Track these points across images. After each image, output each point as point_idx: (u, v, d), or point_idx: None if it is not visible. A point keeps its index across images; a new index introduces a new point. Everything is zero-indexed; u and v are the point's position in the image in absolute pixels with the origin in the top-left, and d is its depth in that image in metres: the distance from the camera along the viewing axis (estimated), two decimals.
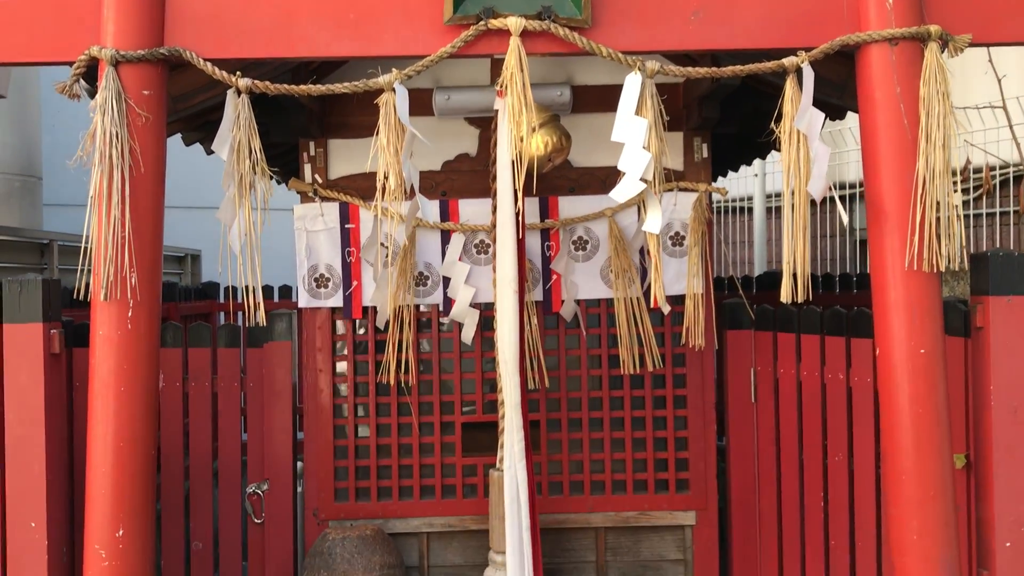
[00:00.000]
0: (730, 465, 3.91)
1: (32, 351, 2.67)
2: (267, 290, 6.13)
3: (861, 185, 7.61)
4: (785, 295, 2.73)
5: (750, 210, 8.86)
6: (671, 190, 3.85)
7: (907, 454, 2.67)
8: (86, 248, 2.55)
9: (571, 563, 3.96)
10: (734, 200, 8.72)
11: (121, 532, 2.61)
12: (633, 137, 2.68)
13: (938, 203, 2.62)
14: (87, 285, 2.57)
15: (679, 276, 3.90)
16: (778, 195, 8.54)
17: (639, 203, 3.90)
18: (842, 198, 7.42)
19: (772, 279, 5.94)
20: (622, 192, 2.71)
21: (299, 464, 4.00)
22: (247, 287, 2.61)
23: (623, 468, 3.96)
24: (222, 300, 5.86)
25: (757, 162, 7.99)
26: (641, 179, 2.69)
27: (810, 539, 3.65)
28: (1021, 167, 6.29)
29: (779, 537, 3.78)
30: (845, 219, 2.75)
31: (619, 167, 2.73)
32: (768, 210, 8.54)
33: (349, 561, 3.55)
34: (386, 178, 2.69)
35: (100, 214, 2.51)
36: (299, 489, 4.01)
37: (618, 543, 3.97)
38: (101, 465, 2.61)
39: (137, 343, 2.64)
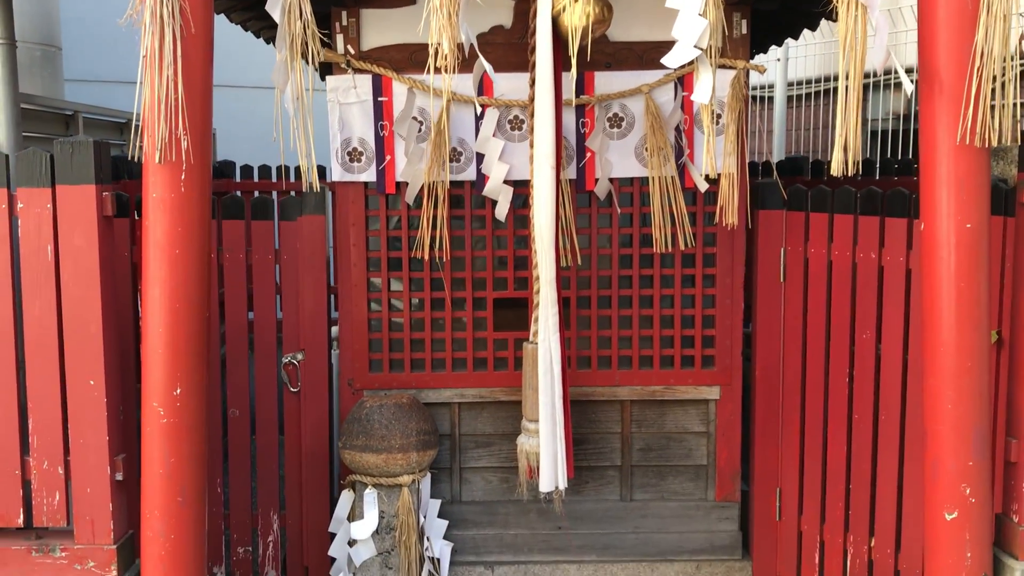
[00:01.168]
0: (755, 342, 3.99)
1: (86, 213, 2.68)
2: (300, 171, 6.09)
3: (875, 75, 7.53)
4: (836, 168, 2.73)
5: (765, 99, 8.74)
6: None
7: (947, 327, 2.73)
8: (136, 113, 2.54)
9: (597, 434, 4.08)
10: (754, 88, 8.60)
11: (179, 391, 2.68)
12: (689, 2, 2.63)
13: (994, 77, 2.60)
14: (140, 147, 2.56)
15: (715, 154, 3.89)
16: (799, 83, 8.42)
17: (675, 80, 3.87)
18: (865, 87, 7.31)
19: (794, 165, 5.93)
20: (675, 58, 2.68)
21: (334, 331, 4.06)
22: (301, 150, 2.61)
23: (650, 344, 4.04)
24: (238, 179, 5.82)
25: (776, 48, 7.84)
26: (695, 47, 2.66)
27: (833, 413, 3.75)
28: None
29: (802, 411, 3.88)
30: (910, 89, 2.72)
31: (673, 34, 2.69)
32: (789, 99, 8.43)
33: (387, 427, 3.65)
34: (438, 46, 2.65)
35: (152, 74, 2.49)
36: (333, 360, 4.09)
37: (643, 416, 4.08)
38: (157, 327, 2.66)
39: (190, 206, 2.65)
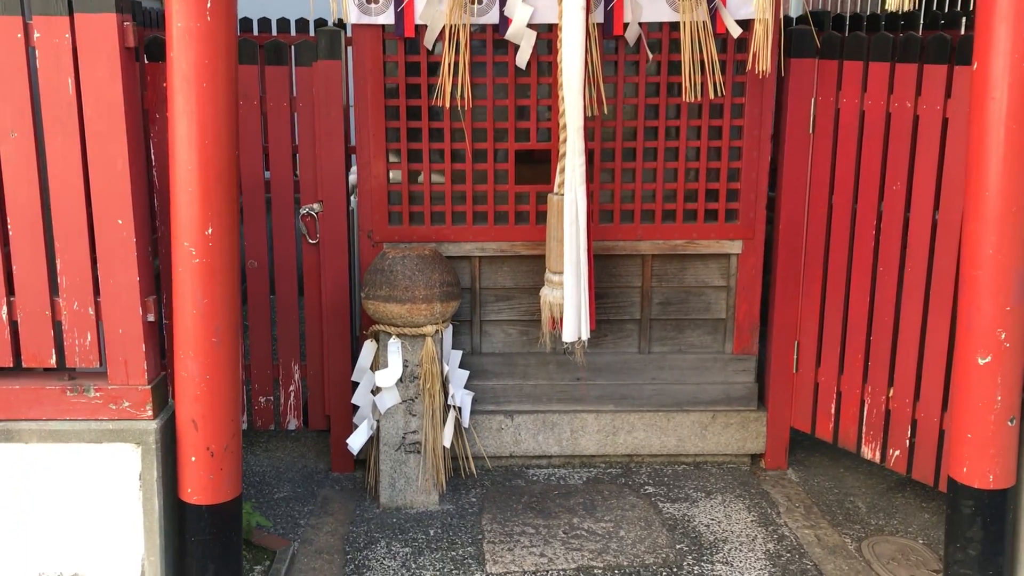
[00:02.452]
0: (780, 195, 3.94)
1: (107, 43, 2.55)
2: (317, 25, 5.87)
3: None
4: (893, 3, 2.62)
5: None
6: None
7: (993, 171, 2.68)
8: None
9: (618, 287, 4.07)
10: None
11: (210, 230, 2.62)
12: None
13: None
14: None
15: None
16: None
17: None
18: None
19: (815, 20, 5.74)
20: None
21: (352, 179, 3.98)
22: None
23: (674, 198, 3.98)
24: (256, 33, 5.59)
25: None
26: None
27: (857, 266, 3.74)
28: None
29: (825, 264, 3.87)
30: None
31: None
32: None
33: (410, 278, 3.62)
34: None
35: None
36: (352, 211, 4.03)
37: (664, 270, 4.07)
38: (186, 164, 2.58)
39: (217, 36, 2.53)
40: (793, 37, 3.81)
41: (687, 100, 3.77)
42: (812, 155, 3.86)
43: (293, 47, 3.86)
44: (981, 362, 2.76)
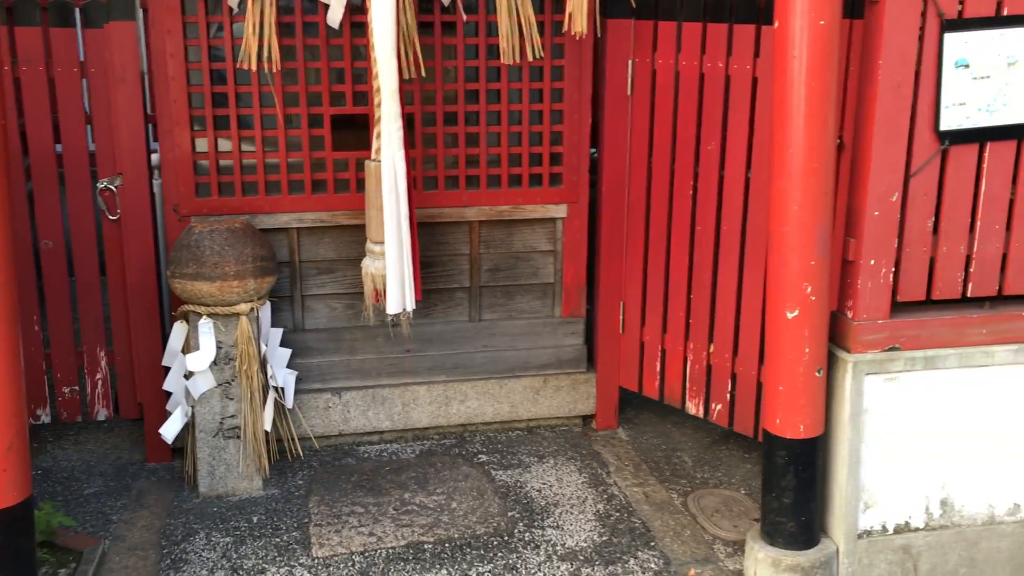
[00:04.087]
0: (602, 157, 3.94)
1: None
2: None
3: None
4: None
5: None
6: None
7: (796, 128, 2.73)
8: None
9: (445, 255, 3.98)
10: None
11: None
12: None
13: None
14: None
15: None
16: None
17: None
18: None
19: None
20: None
21: (155, 159, 3.71)
22: None
23: (499, 163, 3.92)
24: None
25: None
26: None
27: (677, 227, 3.79)
28: None
29: (647, 225, 3.91)
30: None
31: None
32: None
33: (219, 253, 3.41)
34: None
35: None
36: (156, 189, 3.75)
37: (491, 236, 4.01)
38: None
39: None
40: None
41: (506, 62, 3.70)
42: (631, 117, 3.87)
43: (80, 8, 3.54)
44: (789, 316, 2.84)
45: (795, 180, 2.76)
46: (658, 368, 3.99)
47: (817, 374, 2.88)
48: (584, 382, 4.15)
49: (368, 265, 3.57)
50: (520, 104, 3.88)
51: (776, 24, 2.74)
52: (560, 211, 4.00)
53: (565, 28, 3.63)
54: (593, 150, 4.03)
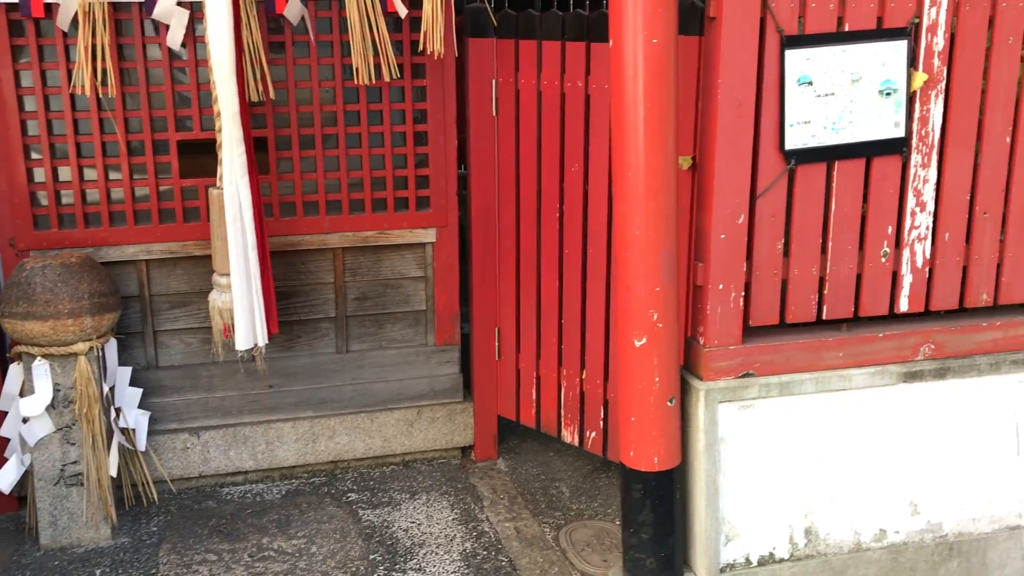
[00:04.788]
0: (470, 180, 3.80)
1: None
2: None
3: None
4: None
5: None
6: None
7: (633, 149, 2.62)
8: None
9: (308, 285, 3.81)
10: None
11: None
12: None
13: None
14: None
15: None
16: None
17: None
18: None
19: None
20: None
21: None
22: None
23: (361, 187, 3.76)
24: None
25: None
26: None
27: (546, 250, 3.67)
28: None
29: (517, 250, 3.78)
30: None
31: None
32: None
33: (52, 290, 3.20)
34: None
35: None
36: None
37: (357, 263, 3.85)
38: None
39: None
40: (469, 16, 3.66)
41: (361, 83, 3.55)
42: (498, 138, 3.75)
43: None
44: (637, 344, 2.72)
45: (636, 204, 2.65)
46: (534, 396, 3.86)
47: (669, 403, 2.77)
48: (461, 412, 4.00)
49: (215, 299, 3.39)
50: (381, 126, 3.74)
51: (611, 43, 2.64)
52: (429, 235, 3.86)
53: (421, 47, 3.50)
54: (462, 166, 3.91)
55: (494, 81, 3.70)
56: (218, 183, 3.30)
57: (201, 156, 3.61)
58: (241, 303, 3.31)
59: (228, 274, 3.31)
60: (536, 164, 3.65)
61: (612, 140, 2.70)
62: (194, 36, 3.46)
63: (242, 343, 3.35)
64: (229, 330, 3.38)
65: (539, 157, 3.64)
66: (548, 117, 3.57)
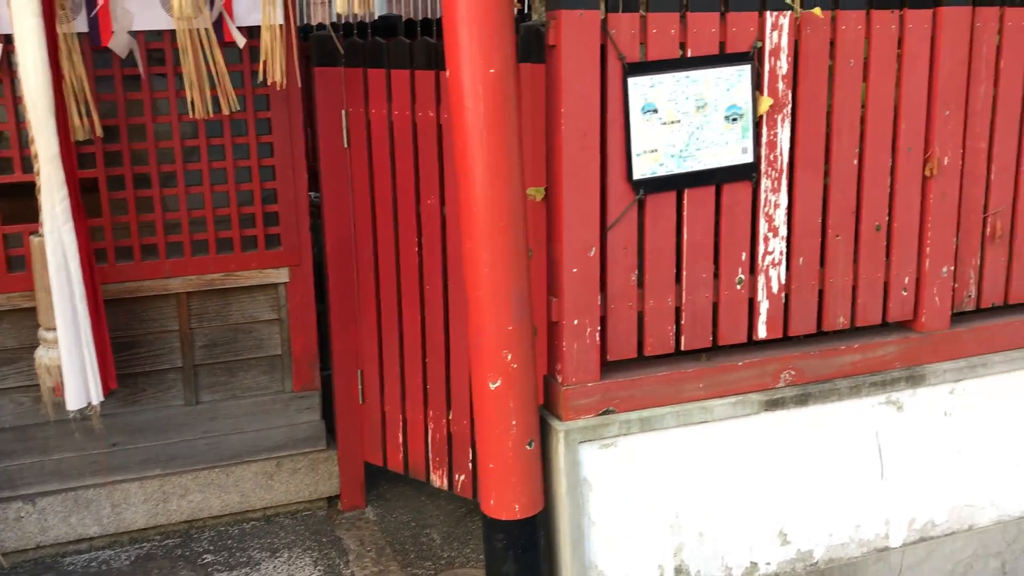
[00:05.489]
0: (324, 216, 3.62)
1: None
2: None
3: None
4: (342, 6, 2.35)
5: None
6: None
7: (477, 183, 2.50)
8: None
9: (152, 334, 3.55)
10: None
11: None
12: None
13: None
14: None
15: (255, 4, 3.37)
16: None
17: None
18: None
19: (387, 24, 5.57)
20: None
21: None
22: None
23: (204, 227, 3.53)
24: None
25: None
26: None
27: (406, 286, 3.51)
28: None
29: (377, 287, 3.61)
30: None
31: None
32: None
33: None
34: None
35: None
36: None
37: (204, 308, 3.61)
38: None
39: None
40: (315, 44, 3.49)
41: (199, 117, 3.34)
42: (351, 171, 3.58)
43: None
44: (492, 387, 2.59)
45: (483, 241, 2.53)
46: (401, 439, 3.68)
47: (528, 447, 2.64)
48: (324, 461, 3.79)
49: (41, 356, 3.11)
50: (224, 161, 3.52)
51: (448, 73, 2.51)
52: (281, 275, 3.65)
53: (261, 78, 3.31)
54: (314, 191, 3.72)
55: (344, 112, 3.53)
56: (40, 230, 3.03)
57: (27, 199, 3.32)
58: (70, 359, 3.05)
59: (54, 328, 3.04)
60: (392, 197, 3.50)
61: (457, 174, 2.58)
62: (11, 70, 3.19)
63: (73, 402, 3.08)
64: (61, 388, 3.11)
65: (394, 190, 3.49)
66: (401, 148, 3.42)
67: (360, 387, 3.74)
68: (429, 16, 7.78)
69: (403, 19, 5.63)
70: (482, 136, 2.48)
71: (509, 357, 2.58)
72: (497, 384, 2.59)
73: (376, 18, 5.98)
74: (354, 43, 3.49)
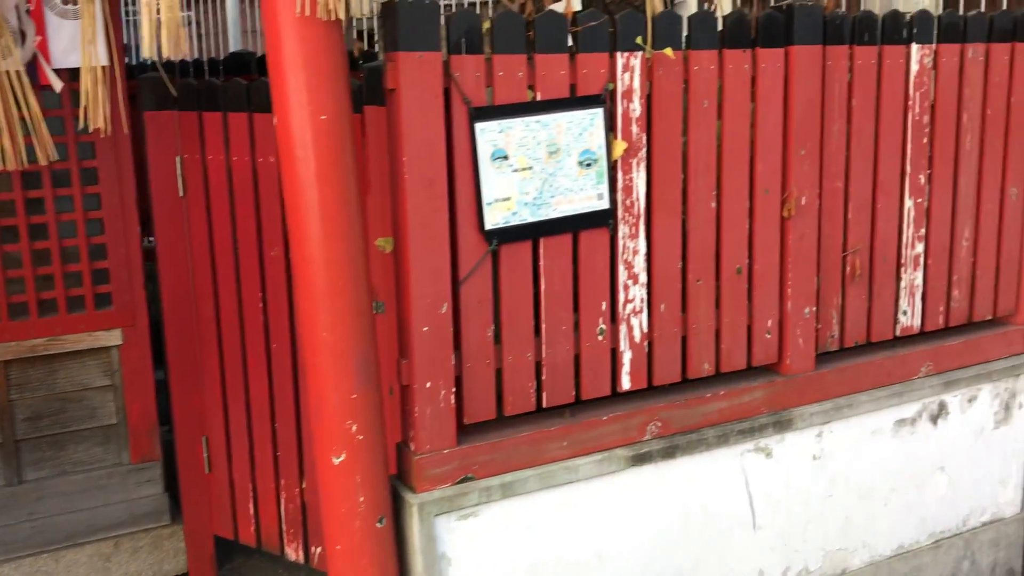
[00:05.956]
0: (160, 272, 3.33)
1: None
2: None
3: None
4: (147, 50, 2.12)
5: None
6: None
7: (313, 240, 2.29)
8: None
9: None
10: None
11: None
12: None
13: None
14: None
15: (74, 44, 3.08)
16: None
17: None
18: None
19: (240, 61, 5.30)
20: None
21: None
22: None
23: (23, 287, 3.19)
24: None
25: None
26: None
27: (252, 345, 3.25)
28: None
29: (220, 347, 3.34)
30: None
31: None
32: None
33: None
34: None
35: None
36: None
37: (26, 377, 3.26)
38: None
39: None
40: (145, 86, 3.22)
41: (9, 168, 3.01)
42: (188, 222, 3.30)
43: None
44: (336, 461, 2.37)
45: (321, 301, 2.31)
46: (251, 510, 3.40)
47: (379, 524, 2.42)
48: (169, 537, 3.46)
49: None
50: (44, 215, 3.20)
51: (276, 120, 2.30)
52: (114, 338, 3.34)
53: (81, 125, 3.02)
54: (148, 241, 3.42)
55: (179, 158, 3.26)
56: None
57: None
58: None
59: None
60: (233, 249, 3.24)
61: (289, 229, 2.36)
62: None
63: None
64: None
65: (235, 241, 3.23)
66: (241, 197, 3.18)
67: (206, 455, 3.45)
68: None
69: (257, 55, 5.36)
70: (315, 188, 2.27)
71: (354, 428, 2.36)
72: (341, 458, 2.37)
73: (228, 54, 5.70)
74: (188, 85, 3.23)
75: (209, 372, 3.38)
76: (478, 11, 2.46)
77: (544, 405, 2.70)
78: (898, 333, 3.28)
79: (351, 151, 2.31)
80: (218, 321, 3.33)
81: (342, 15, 2.19)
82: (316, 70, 2.22)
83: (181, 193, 3.28)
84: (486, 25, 2.48)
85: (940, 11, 4.22)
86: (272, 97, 2.28)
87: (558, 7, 2.83)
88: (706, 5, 4.63)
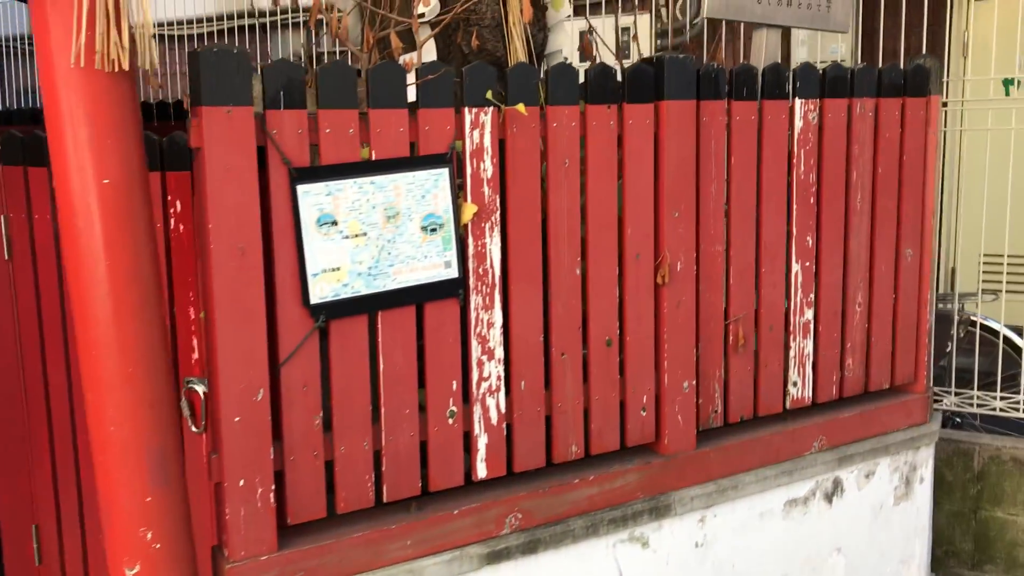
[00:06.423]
0: None
1: None
2: None
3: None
4: None
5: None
6: None
7: (100, 322, 2.00)
8: None
9: None
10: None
11: None
12: None
13: None
14: None
15: None
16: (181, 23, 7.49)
17: None
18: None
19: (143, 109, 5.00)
20: None
21: None
22: None
23: None
24: None
25: None
26: None
27: (83, 425, 2.92)
28: None
29: (50, 427, 3.00)
30: None
31: None
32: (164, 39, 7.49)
33: None
34: None
35: None
36: None
37: None
38: None
39: None
40: None
41: None
42: (14, 288, 2.98)
43: None
44: (130, 574, 2.05)
45: (108, 392, 2.02)
46: None
47: None
48: None
49: None
50: None
51: (56, 183, 2.01)
52: None
53: None
54: None
55: (3, 217, 2.95)
56: None
57: None
58: None
59: None
60: (61, 318, 2.92)
61: (75, 310, 2.06)
62: None
63: None
64: None
65: (63, 310, 2.91)
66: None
67: (36, 545, 3.09)
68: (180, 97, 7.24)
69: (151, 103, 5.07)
70: (103, 261, 1.99)
71: (149, 536, 2.05)
72: (135, 571, 2.05)
73: None
74: (12, 137, 2.93)
75: (39, 453, 3.03)
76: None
77: (385, 499, 2.41)
78: (788, 406, 3.07)
79: (144, 221, 2.03)
80: (47, 398, 3.00)
81: (125, 66, 1.92)
82: (100, 128, 1.94)
83: (7, 256, 2.96)
84: (311, 77, 2.23)
85: (857, 62, 4.09)
86: (51, 151, 1.99)
87: (409, 58, 2.60)
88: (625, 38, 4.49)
